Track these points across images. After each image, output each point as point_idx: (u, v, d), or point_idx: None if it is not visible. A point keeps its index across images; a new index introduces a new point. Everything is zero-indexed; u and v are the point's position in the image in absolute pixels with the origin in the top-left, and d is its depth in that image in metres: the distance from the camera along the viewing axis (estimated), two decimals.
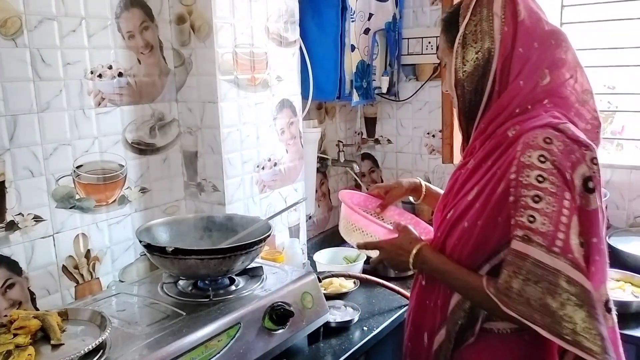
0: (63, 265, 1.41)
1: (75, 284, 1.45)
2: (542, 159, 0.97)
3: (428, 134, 2.43)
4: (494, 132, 1.08)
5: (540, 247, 0.95)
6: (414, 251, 1.17)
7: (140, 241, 1.29)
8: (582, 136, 1.01)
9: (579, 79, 1.09)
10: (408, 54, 2.38)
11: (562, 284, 0.94)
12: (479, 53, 1.08)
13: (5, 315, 1.05)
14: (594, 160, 1.00)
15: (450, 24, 1.14)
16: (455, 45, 1.10)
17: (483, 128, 1.10)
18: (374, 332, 1.49)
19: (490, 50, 1.07)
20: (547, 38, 1.08)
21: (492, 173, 1.05)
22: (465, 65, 1.10)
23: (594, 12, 2.19)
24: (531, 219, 0.97)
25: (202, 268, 1.25)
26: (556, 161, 0.97)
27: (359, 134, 2.61)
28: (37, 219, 1.35)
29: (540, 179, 0.97)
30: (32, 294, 1.35)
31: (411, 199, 1.51)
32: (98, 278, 1.51)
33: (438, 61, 2.29)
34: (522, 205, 0.98)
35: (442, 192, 1.47)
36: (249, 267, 1.38)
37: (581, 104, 1.08)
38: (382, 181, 2.59)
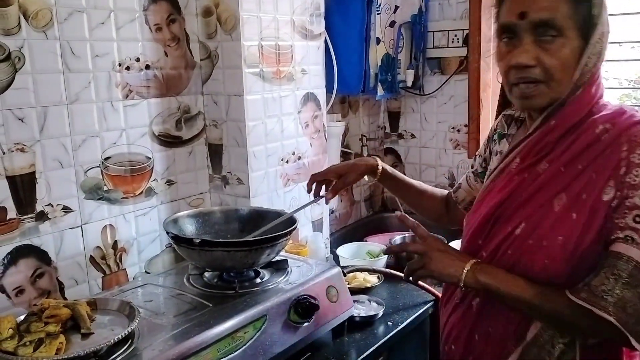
0: (91, 256, 1.43)
1: (103, 275, 1.46)
2: None
3: (453, 128, 2.40)
4: (572, 130, 0.96)
5: None
6: (472, 261, 1.00)
7: (168, 232, 1.30)
8: None
9: None
10: (434, 47, 2.36)
11: None
12: (601, 39, 0.94)
13: (36, 305, 1.06)
14: None
15: None
16: (596, 34, 0.93)
17: (554, 125, 0.98)
18: (399, 328, 1.48)
19: (602, 37, 0.94)
20: None
21: (588, 177, 0.93)
22: (590, 58, 0.94)
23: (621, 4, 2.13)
24: (638, 219, 0.88)
25: (228, 260, 1.25)
26: None
27: (382, 129, 2.59)
28: (66, 209, 1.36)
29: None
30: (60, 283, 1.37)
31: (366, 178, 1.41)
32: (125, 269, 1.52)
33: (465, 49, 2.26)
34: (628, 206, 0.89)
35: (399, 174, 1.41)
36: (273, 260, 1.38)
37: None
38: None
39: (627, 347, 0.92)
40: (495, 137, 1.21)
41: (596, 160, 0.93)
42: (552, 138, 0.98)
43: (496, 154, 1.19)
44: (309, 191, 1.41)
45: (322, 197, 1.40)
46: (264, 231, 1.37)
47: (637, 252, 0.88)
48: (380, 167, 1.38)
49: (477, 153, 1.33)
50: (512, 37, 0.96)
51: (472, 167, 1.34)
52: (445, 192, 1.45)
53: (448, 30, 2.31)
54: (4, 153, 1.23)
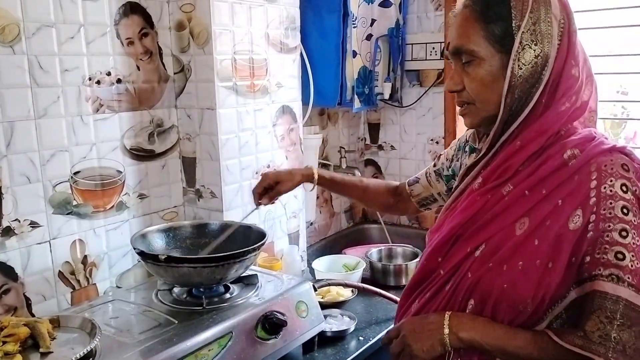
0: (59, 271, 1.42)
1: (72, 290, 1.45)
2: (624, 188, 0.88)
3: (432, 140, 2.41)
4: (538, 153, 0.95)
5: (630, 287, 0.85)
6: (447, 316, 0.97)
7: (134, 248, 1.29)
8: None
9: (594, 96, 1.01)
10: (412, 60, 2.37)
11: None
12: (539, 57, 0.93)
13: None
14: None
15: (488, 12, 0.95)
16: (516, 43, 0.93)
17: (520, 146, 0.96)
18: (370, 342, 1.47)
19: (547, 56, 0.93)
20: (584, 55, 0.99)
21: (554, 204, 0.91)
22: (521, 69, 0.93)
23: (606, 18, 2.16)
24: (620, 255, 0.86)
25: (195, 276, 1.24)
26: (637, 190, 0.88)
27: (362, 140, 2.60)
28: (34, 224, 1.35)
29: (625, 210, 0.87)
30: (27, 299, 1.35)
31: (306, 186, 1.49)
32: (95, 284, 1.51)
33: (443, 61, 2.28)
34: (608, 241, 0.87)
35: (337, 176, 1.49)
36: (243, 275, 1.38)
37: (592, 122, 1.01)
38: None
39: None
40: (467, 149, 1.22)
41: (563, 186, 0.91)
42: (516, 160, 0.96)
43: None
44: (257, 205, 1.47)
45: (259, 204, 1.47)
46: (214, 247, 1.36)
47: (625, 291, 0.86)
48: (316, 175, 1.45)
49: (442, 153, 1.35)
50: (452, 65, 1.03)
51: (435, 165, 1.35)
52: (395, 183, 1.49)
53: (426, 43, 2.32)
54: None
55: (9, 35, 1.27)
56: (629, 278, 0.86)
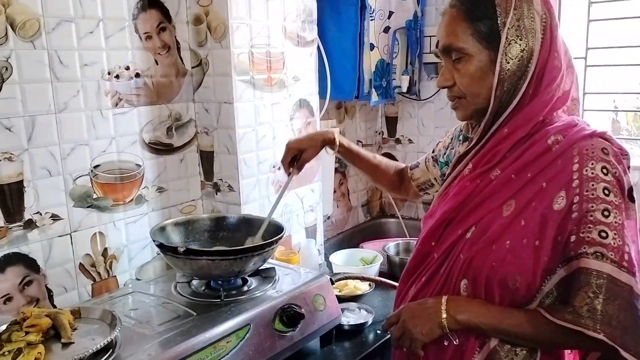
0: (80, 263, 1.44)
1: (92, 282, 1.47)
2: (604, 170, 0.94)
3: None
4: (524, 140, 1.01)
5: (613, 263, 0.91)
6: (444, 300, 1.03)
7: (154, 240, 1.30)
8: (622, 144, 0.99)
9: (575, 85, 1.07)
10: (430, 52, 2.35)
11: (634, 300, 0.91)
12: (524, 51, 0.99)
13: (21, 312, 1.07)
14: (628, 167, 0.98)
15: (474, 11, 1.00)
16: (503, 39, 0.98)
17: (507, 134, 1.02)
18: (388, 335, 1.47)
19: (532, 50, 0.99)
20: (565, 47, 1.04)
21: (539, 187, 0.97)
22: (509, 62, 0.99)
23: (623, 9, 2.12)
24: (603, 234, 0.92)
25: (214, 269, 1.25)
26: (617, 173, 0.94)
27: (379, 134, 2.59)
28: (55, 217, 1.37)
29: (606, 192, 0.93)
30: (49, 291, 1.38)
31: (328, 150, 1.47)
32: (115, 276, 1.53)
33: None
34: (591, 220, 0.93)
35: (355, 147, 1.49)
36: (261, 268, 1.38)
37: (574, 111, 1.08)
38: None
39: (612, 357, 0.93)
40: (461, 138, 1.28)
41: (547, 169, 0.97)
42: (504, 146, 1.02)
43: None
44: (288, 174, 1.47)
45: (289, 174, 1.46)
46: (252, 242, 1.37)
47: (609, 267, 0.91)
48: (337, 140, 1.44)
49: (440, 140, 1.41)
50: (442, 62, 1.08)
51: (433, 151, 1.42)
52: (402, 165, 1.55)
53: None
54: None
55: (30, 30, 1.28)
56: (612, 255, 0.91)
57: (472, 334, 1.02)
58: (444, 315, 1.02)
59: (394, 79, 2.21)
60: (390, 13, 2.11)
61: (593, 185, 0.93)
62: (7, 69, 1.25)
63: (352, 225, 2.44)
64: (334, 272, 1.83)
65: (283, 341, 1.25)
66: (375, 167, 1.53)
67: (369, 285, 1.69)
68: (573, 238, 0.94)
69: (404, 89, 2.25)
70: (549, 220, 0.95)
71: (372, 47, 2.04)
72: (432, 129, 2.44)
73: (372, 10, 2.01)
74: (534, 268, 0.96)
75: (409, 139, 2.52)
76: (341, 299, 1.55)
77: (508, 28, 0.98)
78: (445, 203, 1.10)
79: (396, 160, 2.55)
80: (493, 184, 1.02)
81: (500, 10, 0.99)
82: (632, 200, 0.96)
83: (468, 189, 1.05)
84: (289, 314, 1.25)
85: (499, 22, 0.99)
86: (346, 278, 1.66)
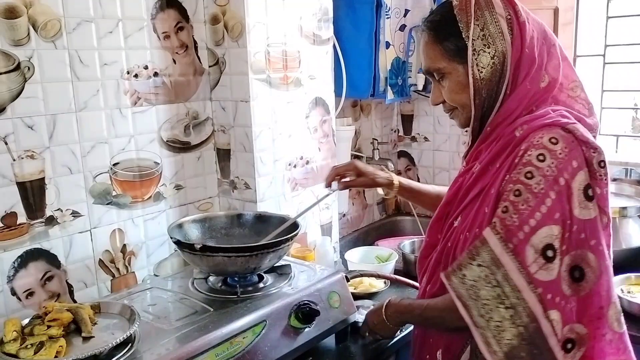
0: (100, 259, 1.46)
1: (112, 278, 1.50)
2: (541, 157, 0.96)
3: (466, 131, 2.35)
4: (501, 135, 1.05)
5: (499, 237, 0.95)
6: (383, 307, 1.26)
7: (171, 237, 1.32)
8: (590, 138, 0.99)
9: (568, 75, 1.09)
10: None
11: (501, 280, 0.94)
12: (495, 57, 1.03)
13: (43, 307, 1.09)
14: (601, 164, 0.97)
15: (440, 32, 1.07)
16: (470, 52, 1.03)
17: (489, 131, 1.08)
18: (403, 333, 1.47)
19: (504, 53, 1.03)
20: (541, 36, 1.07)
21: (496, 175, 1.03)
22: (482, 72, 1.04)
23: None
24: (504, 209, 0.96)
25: (230, 265, 1.27)
26: (554, 163, 0.95)
27: (395, 132, 2.59)
28: (75, 214, 1.40)
29: (529, 175, 0.95)
30: (70, 286, 1.41)
31: (380, 191, 1.51)
32: (133, 272, 1.55)
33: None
34: (504, 198, 0.98)
35: (414, 185, 1.51)
36: (277, 265, 1.40)
37: (573, 98, 1.09)
38: (418, 179, 2.56)
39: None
40: None
41: (507, 159, 1.02)
42: (486, 142, 1.09)
43: None
44: (327, 185, 1.48)
45: (329, 185, 1.48)
46: (269, 238, 1.38)
47: (494, 239, 0.96)
48: (396, 182, 1.46)
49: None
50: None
51: None
52: None
53: None
54: (14, 160, 1.27)
55: (51, 30, 1.31)
56: (501, 229, 0.95)
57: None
58: (385, 316, 1.26)
59: (410, 77, 2.21)
60: (406, 11, 2.11)
61: (521, 168, 0.96)
62: (29, 68, 1.28)
63: (367, 223, 2.45)
64: (349, 269, 1.84)
65: (298, 337, 1.26)
66: (439, 199, 1.48)
67: (384, 282, 1.69)
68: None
69: (420, 87, 2.25)
70: (496, 203, 1.00)
71: (387, 45, 2.04)
72: (448, 127, 2.43)
73: (387, 8, 2.01)
74: None
75: (425, 137, 2.52)
76: (356, 297, 1.56)
77: (473, 40, 1.03)
78: (444, 199, 1.19)
79: (412, 158, 2.56)
80: (474, 176, 1.09)
81: (462, 25, 1.04)
82: (588, 198, 0.95)
83: (458, 184, 1.15)
84: (305, 311, 1.27)
85: (463, 36, 1.03)
86: (361, 275, 1.67)
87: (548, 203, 0.93)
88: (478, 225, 1.03)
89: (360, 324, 1.41)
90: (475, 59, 1.03)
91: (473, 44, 1.03)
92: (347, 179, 1.46)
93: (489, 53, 1.03)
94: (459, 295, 0.98)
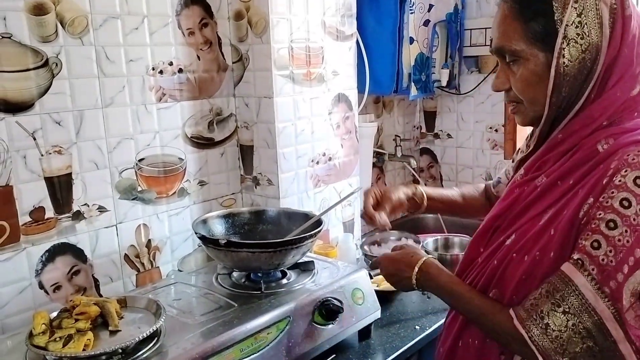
0: (125, 254, 1.48)
1: (137, 272, 1.51)
2: (638, 181, 0.81)
3: (490, 128, 2.35)
4: (576, 145, 0.91)
5: (590, 279, 0.81)
6: (419, 264, 1.06)
7: (196, 233, 1.33)
8: None
9: None
10: (470, 45, 2.31)
11: (594, 330, 0.81)
12: (587, 52, 0.86)
13: (70, 300, 1.11)
14: None
15: (527, 8, 0.90)
16: (559, 39, 0.87)
17: (561, 139, 0.93)
18: (427, 332, 1.46)
19: (598, 49, 0.87)
20: None
21: (574, 193, 0.87)
22: (567, 66, 0.87)
23: None
24: (595, 244, 0.82)
25: (254, 261, 1.27)
26: None
27: (417, 128, 2.56)
28: (102, 209, 1.42)
29: (625, 203, 0.80)
30: (96, 280, 1.42)
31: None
32: (158, 267, 1.56)
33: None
34: (592, 228, 0.83)
35: (440, 192, 1.39)
36: (300, 261, 1.39)
37: None
38: (441, 177, 2.54)
39: None
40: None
41: (587, 175, 0.87)
42: (555, 153, 0.94)
43: None
44: (369, 222, 1.34)
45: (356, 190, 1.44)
46: (292, 235, 1.38)
47: (583, 280, 0.82)
48: (424, 193, 1.35)
49: (519, 148, 1.30)
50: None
51: (513, 160, 1.30)
52: (482, 185, 1.43)
53: (485, 28, 2.26)
54: (42, 155, 1.29)
55: (78, 27, 1.32)
56: (592, 270, 0.81)
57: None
58: (414, 282, 1.07)
59: (434, 73, 2.18)
60: (431, 6, 2.09)
61: (613, 192, 0.82)
62: (57, 65, 1.29)
63: (390, 220, 2.43)
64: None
65: (322, 334, 1.26)
66: (465, 203, 1.40)
67: None
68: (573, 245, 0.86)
69: (444, 83, 2.22)
70: (573, 229, 0.86)
71: (411, 40, 2.02)
72: (472, 123, 2.40)
73: (411, 3, 1.99)
74: None
75: (448, 134, 2.49)
76: (380, 294, 1.54)
77: (566, 26, 0.86)
78: (493, 209, 1.05)
79: (435, 155, 2.53)
80: (537, 190, 0.94)
81: (557, 5, 0.87)
82: None
83: (514, 195, 1.00)
84: (328, 308, 1.26)
85: (555, 19, 0.87)
86: None
87: None
88: (540, 249, 0.89)
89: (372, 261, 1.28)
90: (564, 48, 0.87)
91: (565, 30, 0.86)
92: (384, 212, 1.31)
93: (582, 45, 0.86)
94: (543, 349, 0.84)
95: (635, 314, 0.81)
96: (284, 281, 1.36)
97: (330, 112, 1.78)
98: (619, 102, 0.89)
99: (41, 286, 1.32)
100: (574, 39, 0.87)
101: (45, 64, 1.27)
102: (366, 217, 1.32)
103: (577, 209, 0.85)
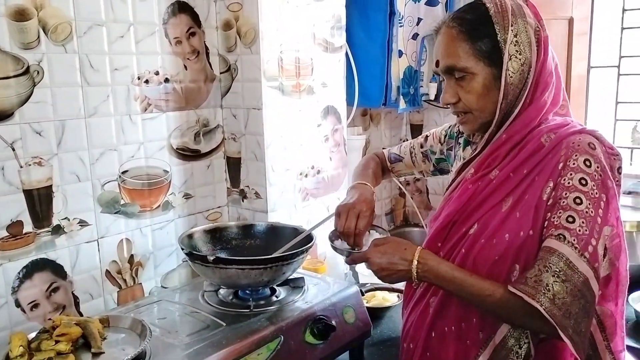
0: (106, 270, 1.42)
1: (118, 289, 1.45)
2: (587, 162, 0.98)
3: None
4: (520, 142, 1.05)
5: (573, 247, 0.94)
6: (416, 256, 1.04)
7: (182, 248, 1.28)
8: (613, 145, 1.04)
9: (560, 93, 1.11)
10: None
11: (584, 289, 0.94)
12: (524, 65, 1.03)
13: (50, 319, 1.05)
14: (619, 170, 1.02)
15: (474, 31, 1.04)
16: (506, 55, 1.02)
17: (505, 139, 1.07)
18: None
19: (530, 63, 1.04)
20: (552, 53, 1.08)
21: (531, 180, 1.02)
22: (512, 77, 1.03)
23: None
24: (570, 219, 0.96)
25: (243, 278, 1.22)
26: (599, 167, 0.98)
27: (404, 142, 2.54)
28: (83, 223, 1.36)
29: (583, 181, 0.97)
30: (75, 298, 1.36)
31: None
32: (140, 283, 1.51)
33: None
34: (562, 206, 0.97)
35: (373, 181, 1.36)
36: (290, 277, 1.35)
37: (563, 116, 1.11)
38: (427, 190, 2.53)
39: (558, 339, 0.94)
40: (461, 141, 1.28)
41: (539, 164, 1.02)
42: (502, 151, 1.07)
43: (460, 159, 1.25)
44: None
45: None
46: (283, 251, 1.33)
47: (569, 250, 0.94)
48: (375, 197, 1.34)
49: (428, 134, 1.42)
50: (443, 79, 1.11)
51: (422, 146, 1.43)
52: (377, 158, 1.49)
53: None
54: (21, 166, 1.23)
55: (62, 34, 1.27)
56: (574, 240, 0.94)
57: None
58: (414, 275, 1.05)
59: (422, 86, 2.18)
60: (419, 20, 2.08)
61: (571, 174, 0.97)
62: (38, 72, 1.24)
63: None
64: (360, 281, 1.80)
65: (313, 354, 1.22)
66: (376, 179, 1.43)
67: (398, 297, 1.65)
68: (546, 223, 0.98)
69: (432, 97, 2.22)
70: (539, 210, 0.99)
71: (400, 53, 2.01)
72: None
73: (401, 16, 1.98)
74: (529, 256, 1.00)
75: None
76: (370, 310, 1.51)
77: (509, 44, 1.02)
78: (448, 206, 1.13)
79: None
80: (493, 183, 1.06)
81: (499, 28, 1.03)
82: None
83: (470, 191, 1.10)
84: (320, 326, 1.22)
85: (499, 39, 1.02)
86: (375, 289, 1.62)
87: (602, 205, 0.96)
88: (509, 231, 1.01)
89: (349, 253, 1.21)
90: (508, 62, 1.03)
91: (508, 48, 1.03)
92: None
93: (520, 60, 1.03)
94: (554, 316, 0.92)
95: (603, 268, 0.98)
96: (274, 298, 1.32)
97: (319, 125, 1.75)
98: (546, 106, 1.06)
99: (18, 304, 1.25)
100: (514, 55, 1.03)
101: (27, 71, 1.22)
102: (345, 237, 1.24)
103: (539, 192, 1.00)
